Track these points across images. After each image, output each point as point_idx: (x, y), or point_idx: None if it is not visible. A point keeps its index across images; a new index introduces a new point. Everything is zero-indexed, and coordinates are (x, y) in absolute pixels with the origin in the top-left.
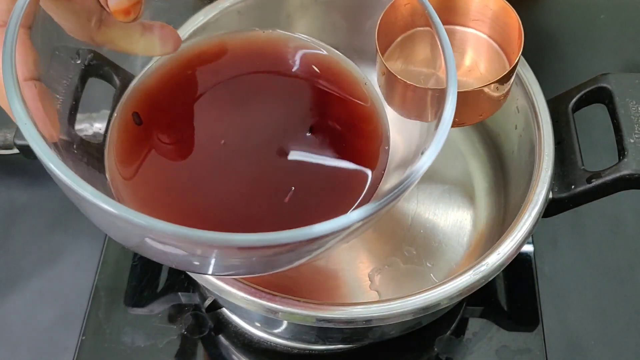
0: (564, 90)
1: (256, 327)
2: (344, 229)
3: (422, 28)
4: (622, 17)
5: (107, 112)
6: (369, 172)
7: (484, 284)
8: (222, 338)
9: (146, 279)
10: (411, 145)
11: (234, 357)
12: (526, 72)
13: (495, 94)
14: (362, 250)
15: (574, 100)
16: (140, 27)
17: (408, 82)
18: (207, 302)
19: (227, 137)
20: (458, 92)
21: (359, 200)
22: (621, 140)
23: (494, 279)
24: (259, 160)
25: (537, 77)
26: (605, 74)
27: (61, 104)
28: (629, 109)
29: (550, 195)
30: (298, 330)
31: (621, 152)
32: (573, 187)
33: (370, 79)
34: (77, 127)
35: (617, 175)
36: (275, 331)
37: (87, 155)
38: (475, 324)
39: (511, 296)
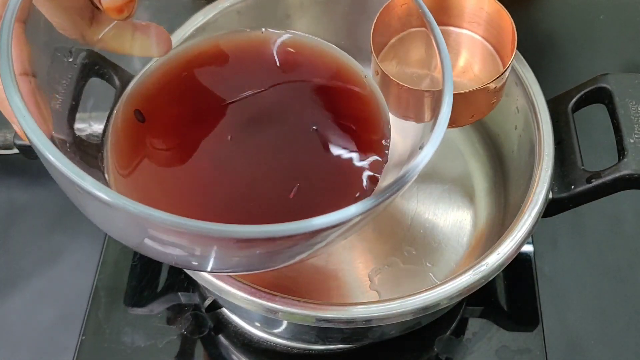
0: (563, 91)
1: (256, 327)
2: (343, 223)
3: (416, 29)
4: (621, 17)
5: (107, 112)
6: (370, 167)
7: (484, 284)
8: (222, 338)
9: (146, 279)
10: (407, 144)
11: (233, 357)
12: (526, 72)
13: (488, 96)
14: (362, 250)
15: (574, 100)
16: (131, 27)
17: (400, 83)
18: (207, 302)
19: (229, 135)
20: (432, 91)
21: (360, 195)
22: (621, 140)
23: (494, 279)
24: (260, 157)
25: (537, 77)
26: (604, 74)
27: (60, 103)
28: (628, 109)
29: (550, 195)
30: (298, 330)
31: (621, 152)
32: (573, 187)
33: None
34: (77, 126)
35: (617, 175)
36: (275, 331)
37: (86, 155)
38: (475, 324)
39: (511, 296)
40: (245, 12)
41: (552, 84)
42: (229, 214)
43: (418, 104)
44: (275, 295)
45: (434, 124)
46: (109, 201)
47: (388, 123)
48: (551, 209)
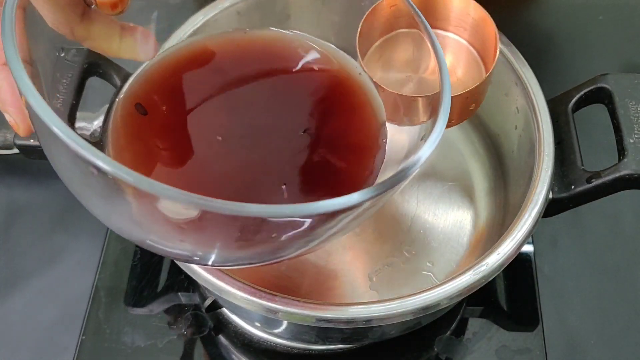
0: (563, 91)
1: (256, 327)
2: (346, 209)
3: (402, 30)
4: (621, 17)
5: (106, 108)
6: (367, 165)
7: (484, 284)
8: (222, 338)
9: (146, 279)
10: (404, 140)
11: (233, 357)
12: (526, 72)
13: (467, 102)
14: (362, 250)
15: (574, 100)
16: (120, 28)
17: (383, 86)
18: (207, 302)
19: (227, 132)
20: (427, 96)
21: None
22: (621, 140)
23: (494, 279)
24: (257, 155)
25: (537, 77)
26: (604, 75)
27: (62, 103)
28: (628, 109)
29: (550, 195)
30: (298, 330)
31: (621, 152)
32: (573, 187)
33: None
34: (78, 125)
35: (617, 175)
36: (275, 331)
37: None
38: (475, 324)
39: (511, 296)
40: (245, 12)
41: (552, 84)
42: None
43: (398, 107)
44: (275, 295)
45: (437, 114)
46: (104, 167)
47: (384, 121)
48: (551, 209)
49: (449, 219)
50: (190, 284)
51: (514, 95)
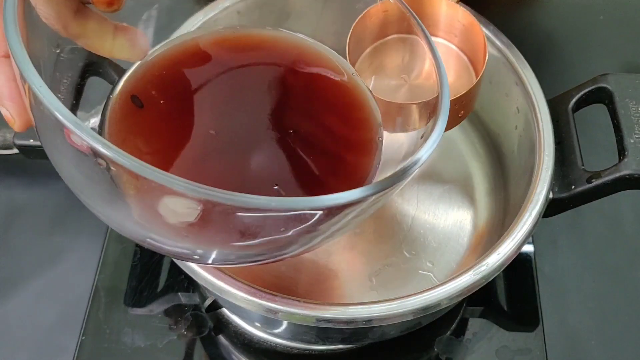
0: (564, 91)
1: (256, 327)
2: (345, 205)
3: (393, 36)
4: (621, 17)
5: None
6: (364, 164)
7: (484, 284)
8: (222, 338)
9: (146, 279)
10: (402, 142)
11: (233, 357)
12: (526, 72)
13: (456, 110)
14: (362, 250)
15: (574, 100)
16: (113, 27)
17: (375, 95)
18: (207, 302)
19: (220, 129)
20: (417, 104)
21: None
22: (621, 140)
23: (494, 279)
24: (250, 155)
25: (537, 77)
26: (604, 75)
27: (62, 102)
28: (629, 109)
29: (550, 195)
30: (298, 330)
31: (621, 152)
32: (573, 187)
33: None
34: None
35: (617, 175)
36: (275, 331)
37: None
38: (475, 324)
39: (511, 296)
40: (245, 12)
41: (552, 84)
42: None
43: (391, 114)
44: (275, 295)
45: (438, 112)
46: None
47: (379, 120)
48: (551, 209)
49: (449, 219)
50: (190, 284)
51: (514, 95)
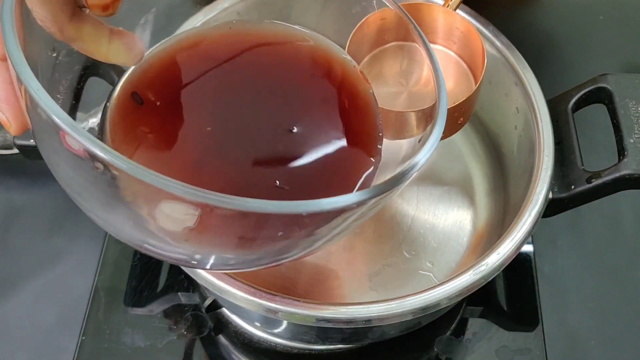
0: (563, 91)
1: (256, 327)
2: (348, 208)
3: (391, 44)
4: (621, 17)
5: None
6: (363, 165)
7: (483, 284)
8: (222, 338)
9: (146, 279)
10: (401, 145)
11: (233, 357)
12: (526, 73)
13: (455, 117)
14: (362, 250)
15: (574, 100)
16: (108, 31)
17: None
18: (207, 302)
19: (220, 125)
20: (416, 111)
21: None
22: (621, 140)
23: (494, 279)
24: (250, 151)
25: (537, 77)
26: (604, 75)
27: (61, 103)
28: (628, 109)
29: (550, 195)
30: (298, 330)
31: (621, 152)
32: (573, 187)
33: None
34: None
35: (617, 175)
36: (275, 331)
37: None
38: (475, 324)
39: (511, 296)
40: (245, 12)
41: (552, 84)
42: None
43: (390, 123)
44: (275, 295)
45: (436, 118)
46: (123, 167)
47: (378, 118)
48: (551, 209)
49: (449, 219)
50: (190, 284)
51: (514, 95)
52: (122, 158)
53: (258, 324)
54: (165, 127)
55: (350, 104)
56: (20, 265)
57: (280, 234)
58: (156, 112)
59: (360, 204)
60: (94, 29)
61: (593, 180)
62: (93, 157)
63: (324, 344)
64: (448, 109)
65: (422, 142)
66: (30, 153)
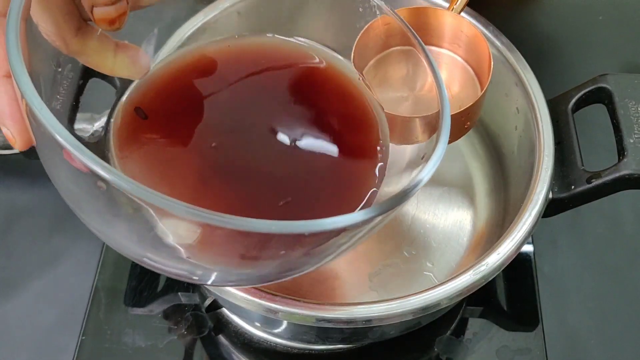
0: (563, 91)
1: (256, 327)
2: (351, 227)
3: (396, 48)
4: (621, 17)
5: (107, 112)
6: (368, 175)
7: (484, 284)
8: (222, 338)
9: (146, 280)
10: (405, 153)
11: (233, 357)
12: (526, 73)
13: (462, 122)
14: (362, 250)
15: (574, 100)
16: (114, 45)
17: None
18: (207, 302)
19: (225, 142)
20: (421, 118)
21: (360, 207)
22: (621, 140)
23: (494, 279)
24: (254, 163)
25: (537, 77)
26: (604, 75)
27: (61, 104)
28: (628, 109)
29: (550, 195)
30: (298, 330)
31: (621, 152)
32: (573, 187)
33: None
34: (77, 126)
35: (617, 175)
36: (275, 331)
37: None
38: (475, 324)
39: (511, 296)
40: (245, 12)
41: (552, 84)
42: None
43: (395, 127)
44: (275, 295)
45: (440, 128)
46: (121, 184)
47: (386, 129)
48: (551, 209)
49: (449, 219)
50: (190, 284)
51: (514, 95)
52: (125, 179)
53: (258, 324)
54: (169, 142)
55: (354, 118)
56: (21, 266)
57: (282, 252)
58: (160, 127)
59: (363, 223)
60: (100, 43)
61: (593, 180)
62: (96, 176)
63: (324, 344)
64: (454, 115)
65: (425, 158)
66: (31, 153)
